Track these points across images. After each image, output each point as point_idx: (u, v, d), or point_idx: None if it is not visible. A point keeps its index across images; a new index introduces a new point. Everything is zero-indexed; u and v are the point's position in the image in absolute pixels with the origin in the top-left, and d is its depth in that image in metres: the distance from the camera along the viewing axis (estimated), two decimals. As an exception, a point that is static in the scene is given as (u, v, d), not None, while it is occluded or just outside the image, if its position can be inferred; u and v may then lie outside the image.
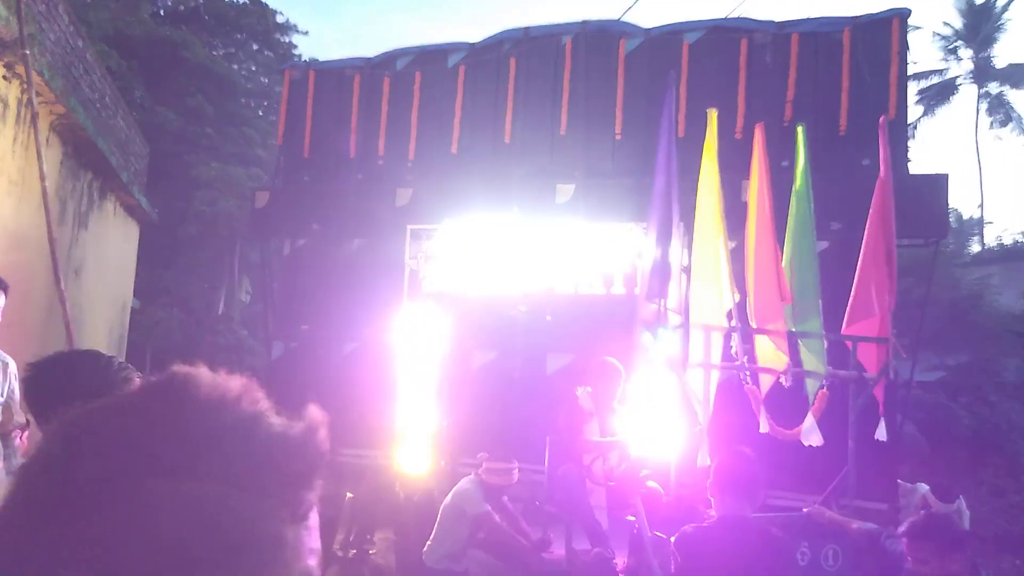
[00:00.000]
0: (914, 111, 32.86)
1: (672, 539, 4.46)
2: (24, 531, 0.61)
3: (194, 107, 22.25)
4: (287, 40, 29.15)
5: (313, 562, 0.71)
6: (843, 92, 7.83)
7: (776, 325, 4.89)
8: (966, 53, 33.45)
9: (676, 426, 5.08)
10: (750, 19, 8.42)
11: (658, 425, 5.19)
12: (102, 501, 0.61)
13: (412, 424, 7.26)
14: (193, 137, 21.42)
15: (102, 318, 13.24)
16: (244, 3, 28.26)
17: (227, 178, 19.78)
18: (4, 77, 8.54)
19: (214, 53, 26.55)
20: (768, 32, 8.23)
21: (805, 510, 4.82)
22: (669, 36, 8.45)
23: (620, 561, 5.56)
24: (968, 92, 33.26)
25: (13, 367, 5.08)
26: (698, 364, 4.84)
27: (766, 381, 5.06)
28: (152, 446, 0.64)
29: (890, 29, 8.01)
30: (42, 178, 8.86)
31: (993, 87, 33.80)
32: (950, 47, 33.86)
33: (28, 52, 8.32)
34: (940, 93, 33.55)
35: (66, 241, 10.86)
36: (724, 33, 8.32)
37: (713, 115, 5.35)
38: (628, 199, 7.83)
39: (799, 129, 5.50)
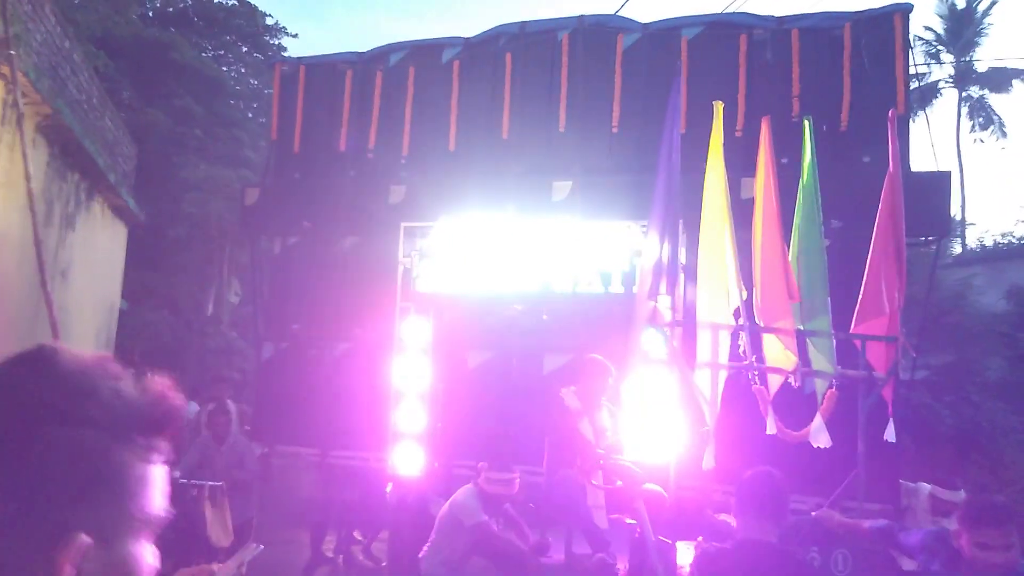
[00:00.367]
0: (897, 113, 32.93)
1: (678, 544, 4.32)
2: None
3: (183, 108, 22.05)
4: (276, 42, 28.97)
5: (158, 496, 0.92)
6: (845, 88, 7.71)
7: (784, 323, 4.73)
8: (948, 57, 33.63)
9: (677, 427, 4.92)
10: (749, 14, 8.29)
11: (658, 426, 5.04)
12: (8, 444, 0.82)
13: (405, 426, 7.15)
14: (182, 138, 21.21)
15: (89, 320, 13.12)
16: (233, 5, 28.05)
17: (216, 180, 19.58)
18: (-10, 78, 8.42)
19: (203, 55, 26.33)
20: (768, 28, 8.13)
21: (813, 514, 4.67)
22: (667, 32, 8.33)
23: (622, 566, 5.40)
24: (950, 96, 33.43)
25: None
26: (706, 364, 4.68)
27: (774, 381, 4.90)
28: (44, 400, 0.84)
29: (892, 25, 7.90)
30: (27, 179, 8.78)
31: (974, 91, 34.00)
32: (932, 51, 34.02)
33: (14, 53, 8.23)
34: (922, 97, 33.65)
35: (52, 242, 10.73)
36: (723, 29, 8.19)
37: (719, 108, 5.20)
38: (626, 196, 7.69)
39: (806, 123, 5.36)
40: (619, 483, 5.49)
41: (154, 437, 0.92)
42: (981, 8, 33.01)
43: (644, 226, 6.70)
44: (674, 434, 4.88)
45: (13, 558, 0.80)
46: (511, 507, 6.17)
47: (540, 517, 6.27)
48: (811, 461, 5.68)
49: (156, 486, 0.91)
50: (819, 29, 8.03)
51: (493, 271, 7.34)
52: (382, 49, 9.14)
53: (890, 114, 5.47)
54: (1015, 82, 32.85)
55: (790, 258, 4.96)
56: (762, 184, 5.07)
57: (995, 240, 24.44)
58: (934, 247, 8.28)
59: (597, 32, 8.45)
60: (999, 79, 33.12)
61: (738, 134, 7.59)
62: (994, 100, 33.86)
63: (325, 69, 9.29)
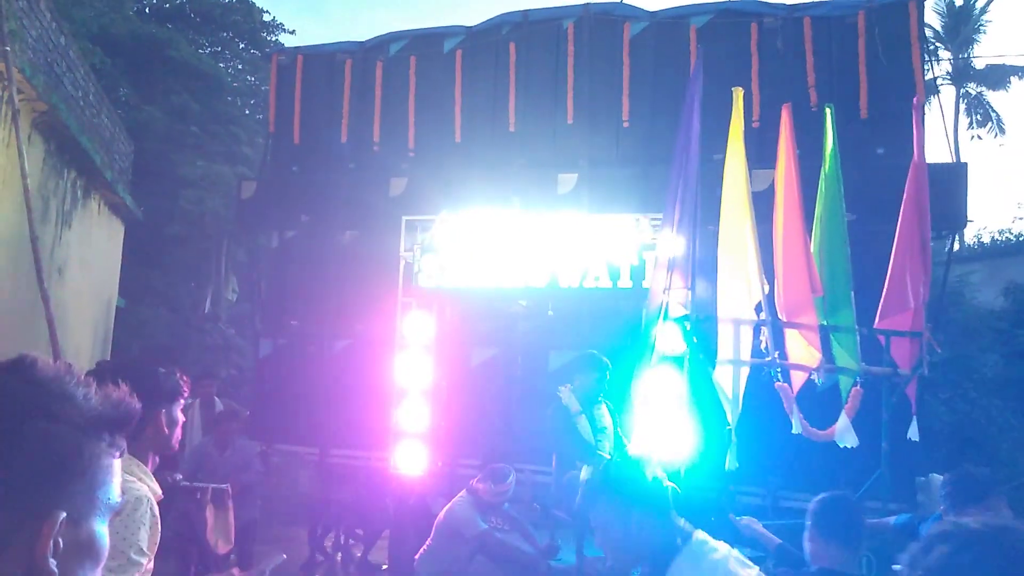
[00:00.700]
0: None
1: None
2: None
3: (180, 105, 21.82)
4: (274, 39, 28.72)
5: (117, 485, 1.07)
6: (861, 78, 7.53)
7: (807, 318, 4.51)
8: (945, 54, 33.52)
9: (694, 425, 4.71)
10: (760, 2, 8.08)
11: (673, 424, 4.83)
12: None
13: (407, 425, 7.01)
14: (179, 135, 21.00)
15: (87, 317, 13.05)
16: (230, 1, 27.82)
17: (213, 177, 19.39)
18: (-16, 75, 8.37)
19: (200, 51, 26.09)
20: (778, 16, 7.94)
21: None
22: (676, 20, 8.15)
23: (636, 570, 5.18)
24: (947, 92, 33.28)
25: None
26: (727, 360, 4.46)
27: (798, 378, 4.68)
28: (31, 400, 1.01)
29: (906, 13, 7.72)
30: (23, 176, 8.70)
31: (972, 88, 33.90)
32: (930, 48, 33.94)
33: (8, 49, 8.15)
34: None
35: (49, 240, 10.70)
36: (733, 16, 8.01)
37: (739, 94, 4.97)
38: (633, 189, 7.51)
39: (827, 110, 5.14)
40: None
41: (117, 435, 1.07)
42: (979, 5, 32.94)
43: (655, 220, 6.52)
44: (691, 433, 4.67)
45: (3, 528, 0.95)
46: (510, 507, 5.96)
47: (548, 519, 6.07)
48: (832, 460, 5.50)
49: (117, 477, 1.07)
50: (831, 17, 7.86)
51: (497, 265, 7.15)
52: (382, 39, 8.95)
53: (914, 101, 5.27)
54: (1013, 79, 32.77)
55: (812, 250, 4.74)
56: (783, 174, 4.85)
57: (993, 237, 24.39)
58: (948, 241, 8.09)
59: (603, 20, 8.28)
60: (997, 76, 33.04)
61: (755, 124, 7.42)
62: (992, 97, 33.77)
63: (324, 59, 9.09)
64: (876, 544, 4.49)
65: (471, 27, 8.70)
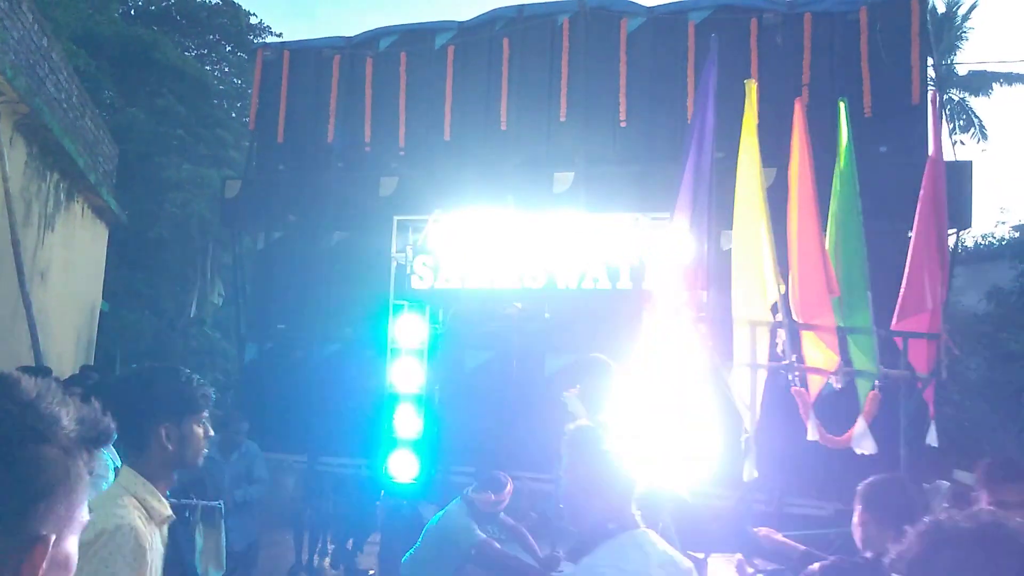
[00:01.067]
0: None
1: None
2: None
3: (165, 108, 21.65)
4: (260, 41, 28.50)
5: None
6: (864, 75, 7.39)
7: (824, 320, 4.29)
8: (928, 60, 33.67)
9: (707, 431, 4.48)
10: (759, -4, 7.91)
11: (684, 430, 4.60)
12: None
13: (400, 431, 6.74)
14: (164, 138, 20.83)
15: (70, 321, 13.00)
16: (216, 3, 27.62)
17: (199, 180, 19.23)
18: (-35, 77, 8.31)
19: (186, 54, 25.89)
20: (779, 12, 7.79)
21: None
22: (674, 15, 8.02)
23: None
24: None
25: None
26: (744, 364, 4.23)
27: (815, 383, 4.46)
28: (24, 423, 1.02)
29: (908, 9, 7.59)
30: (4, 179, 8.72)
31: (955, 94, 34.02)
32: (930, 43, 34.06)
33: None
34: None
35: (31, 243, 10.63)
36: (732, 12, 7.87)
37: (752, 87, 4.75)
38: (632, 187, 7.32)
39: (841, 104, 4.94)
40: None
41: (93, 453, 1.09)
42: (961, 12, 33.09)
43: (656, 218, 6.33)
44: (704, 439, 4.44)
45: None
46: (507, 516, 5.72)
47: (548, 528, 5.85)
48: (836, 464, 5.30)
49: (88, 494, 1.10)
50: (833, 13, 7.72)
51: (492, 267, 6.92)
52: (371, 33, 8.78)
53: (931, 95, 5.08)
54: (995, 85, 32.89)
55: (827, 248, 4.52)
56: (796, 170, 4.62)
57: (976, 241, 24.53)
58: (953, 240, 7.92)
59: (599, 16, 8.13)
60: (979, 82, 33.10)
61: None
62: (974, 103, 33.83)
63: (311, 55, 8.89)
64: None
65: (464, 22, 8.52)
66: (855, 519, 3.17)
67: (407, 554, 5.53)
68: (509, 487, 5.52)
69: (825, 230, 4.71)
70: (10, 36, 9.08)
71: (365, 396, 7.19)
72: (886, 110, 7.42)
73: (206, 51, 28.01)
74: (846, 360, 4.45)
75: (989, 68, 33.49)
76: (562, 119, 7.97)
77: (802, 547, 3.77)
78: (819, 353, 4.33)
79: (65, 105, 11.49)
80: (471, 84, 8.32)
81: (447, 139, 8.26)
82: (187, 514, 5.37)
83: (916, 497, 3.20)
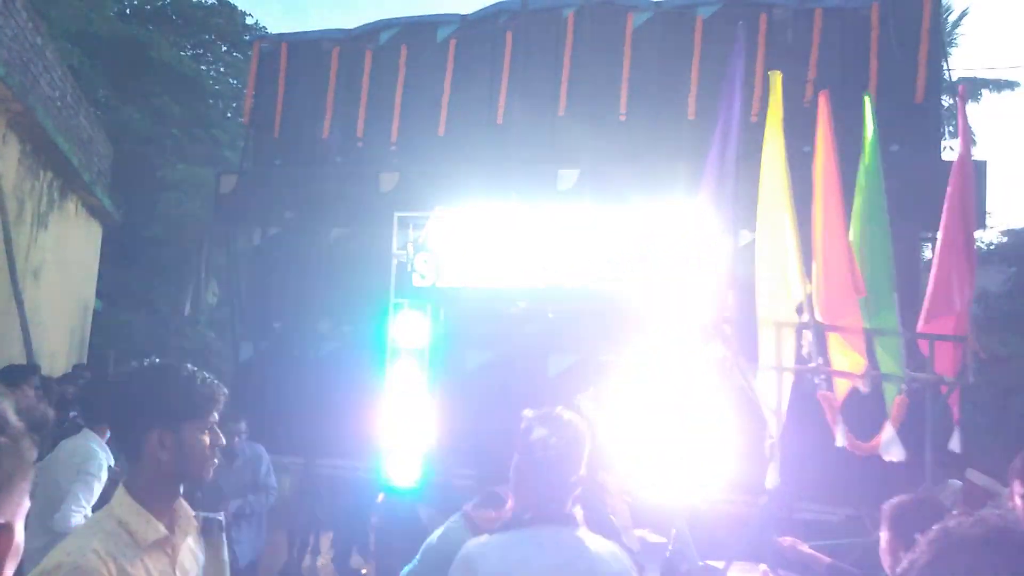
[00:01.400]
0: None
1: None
2: None
3: (160, 107, 21.67)
4: (257, 35, 28.39)
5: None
6: (872, 72, 7.23)
7: (850, 321, 4.10)
8: (946, 57, 33.84)
9: (728, 436, 4.31)
10: (770, -9, 7.77)
11: (697, 436, 4.43)
12: None
13: (398, 433, 6.64)
14: (159, 138, 20.87)
15: (63, 320, 13.01)
16: (212, 3, 27.50)
17: (194, 180, 19.20)
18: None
19: (181, 53, 25.73)
20: (789, 7, 7.63)
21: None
22: (681, 10, 7.89)
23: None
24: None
25: None
26: (770, 367, 4.03)
27: (841, 386, 4.26)
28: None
29: (920, 5, 7.43)
30: None
31: (945, 100, 34.09)
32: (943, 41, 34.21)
33: None
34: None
35: (24, 242, 10.66)
36: (741, 7, 7.70)
37: (777, 78, 4.56)
38: (640, 185, 7.15)
39: (866, 98, 4.76)
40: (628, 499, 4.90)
41: (35, 440, 1.15)
42: (951, 20, 33.25)
43: (662, 216, 6.17)
44: (718, 444, 4.26)
45: None
46: None
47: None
48: (843, 468, 5.15)
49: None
50: (844, 9, 7.59)
51: (495, 265, 6.77)
52: (372, 26, 8.62)
53: (960, 90, 4.91)
54: (984, 91, 33.00)
55: (852, 247, 4.33)
56: (821, 166, 4.43)
57: (964, 246, 24.57)
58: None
59: (605, 10, 8.01)
60: (969, 89, 33.27)
61: (753, 119, 7.07)
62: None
63: (309, 47, 8.74)
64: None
65: (466, 15, 8.38)
66: (883, 545, 2.96)
67: (405, 569, 5.34)
68: (510, 504, 5.33)
69: (849, 227, 4.53)
70: (4, 34, 9.07)
71: (364, 396, 6.99)
72: (895, 108, 7.28)
73: (201, 51, 27.88)
74: (873, 363, 4.26)
75: (978, 75, 33.65)
76: (560, 114, 7.85)
77: (827, 559, 3.59)
78: (845, 356, 4.14)
79: (59, 103, 11.49)
80: (472, 78, 8.19)
81: (441, 134, 8.10)
82: None
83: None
